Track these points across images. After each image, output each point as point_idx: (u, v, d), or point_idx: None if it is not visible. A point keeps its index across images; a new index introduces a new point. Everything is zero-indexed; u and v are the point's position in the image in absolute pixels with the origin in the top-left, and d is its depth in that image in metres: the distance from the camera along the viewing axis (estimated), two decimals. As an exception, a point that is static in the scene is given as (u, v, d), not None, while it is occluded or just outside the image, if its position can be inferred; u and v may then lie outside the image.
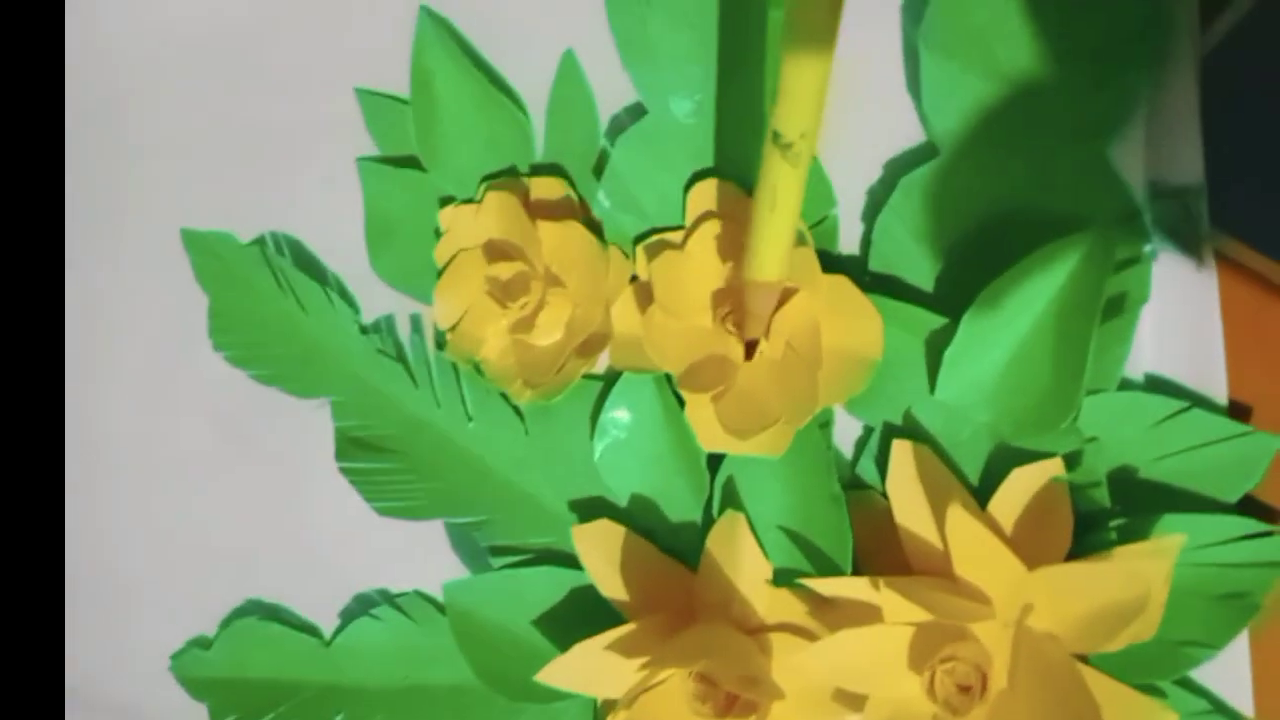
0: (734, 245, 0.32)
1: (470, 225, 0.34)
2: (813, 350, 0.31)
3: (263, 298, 0.38)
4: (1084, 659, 0.30)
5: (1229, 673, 0.30)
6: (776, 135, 0.23)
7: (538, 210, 0.34)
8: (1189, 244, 0.28)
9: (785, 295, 0.31)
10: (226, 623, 0.40)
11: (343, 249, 0.37)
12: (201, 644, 0.41)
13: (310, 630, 0.40)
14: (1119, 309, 0.28)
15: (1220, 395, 0.29)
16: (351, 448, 0.37)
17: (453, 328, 0.35)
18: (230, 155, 0.39)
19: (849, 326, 0.30)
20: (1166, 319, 0.29)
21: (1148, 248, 0.28)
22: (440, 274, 0.35)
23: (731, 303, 0.32)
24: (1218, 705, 0.29)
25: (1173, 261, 0.29)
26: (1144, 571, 0.27)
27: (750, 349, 0.32)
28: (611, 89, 0.33)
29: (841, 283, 0.31)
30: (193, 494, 0.41)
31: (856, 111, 0.31)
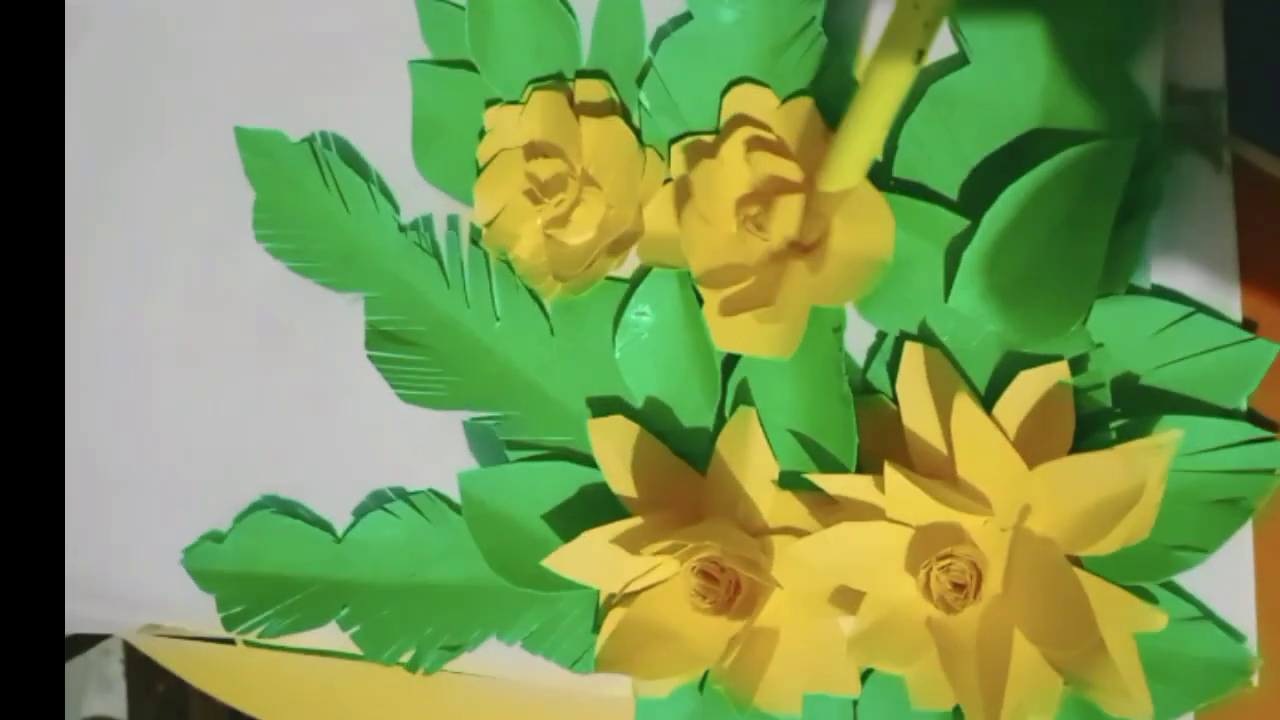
0: (763, 149, 0.33)
1: (514, 125, 0.36)
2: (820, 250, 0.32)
3: (308, 194, 0.39)
4: (1078, 563, 0.31)
5: (1231, 583, 0.30)
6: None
7: (580, 111, 0.35)
8: (1207, 149, 0.29)
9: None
10: (241, 517, 0.41)
11: (388, 151, 0.39)
12: (214, 537, 0.42)
13: (323, 526, 0.40)
14: (1132, 215, 0.29)
15: (1233, 303, 0.30)
16: (381, 340, 0.38)
17: (489, 223, 0.36)
18: (285, 62, 0.41)
19: (862, 226, 0.31)
20: (1180, 227, 0.30)
21: (1163, 157, 0.29)
22: (481, 171, 0.36)
23: (756, 206, 0.33)
24: (1206, 612, 0.30)
25: (1189, 169, 0.30)
26: (1142, 463, 0.28)
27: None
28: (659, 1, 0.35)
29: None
30: (223, 388, 0.42)
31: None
